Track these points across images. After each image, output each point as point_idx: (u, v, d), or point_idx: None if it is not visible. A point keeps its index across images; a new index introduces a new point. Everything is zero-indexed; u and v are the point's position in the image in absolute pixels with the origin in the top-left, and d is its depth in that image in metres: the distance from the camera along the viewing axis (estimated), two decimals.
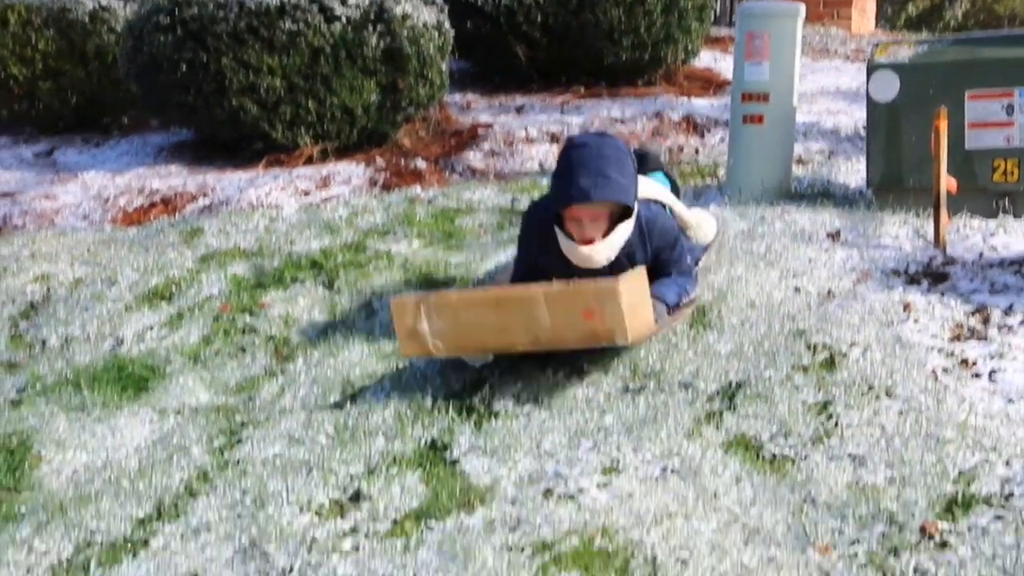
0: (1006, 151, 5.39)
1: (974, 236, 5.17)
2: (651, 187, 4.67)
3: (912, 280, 4.72)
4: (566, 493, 3.56)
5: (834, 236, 5.28)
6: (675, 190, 5.17)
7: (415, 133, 8.33)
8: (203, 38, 7.45)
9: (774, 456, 3.64)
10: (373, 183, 7.38)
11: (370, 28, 7.63)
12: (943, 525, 3.23)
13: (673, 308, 4.39)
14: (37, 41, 8.54)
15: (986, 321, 4.33)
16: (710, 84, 9.41)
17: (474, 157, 7.85)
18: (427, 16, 7.93)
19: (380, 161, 7.78)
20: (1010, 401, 3.81)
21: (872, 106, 5.70)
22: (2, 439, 4.34)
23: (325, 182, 7.36)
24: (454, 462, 3.81)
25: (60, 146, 8.65)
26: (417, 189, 6.99)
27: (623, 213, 4.29)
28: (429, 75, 7.90)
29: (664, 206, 4.66)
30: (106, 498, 3.90)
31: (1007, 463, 3.48)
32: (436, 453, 3.89)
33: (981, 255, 4.93)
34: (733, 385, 4.03)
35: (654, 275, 4.40)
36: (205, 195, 7.27)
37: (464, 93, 9.22)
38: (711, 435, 3.78)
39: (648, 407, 3.99)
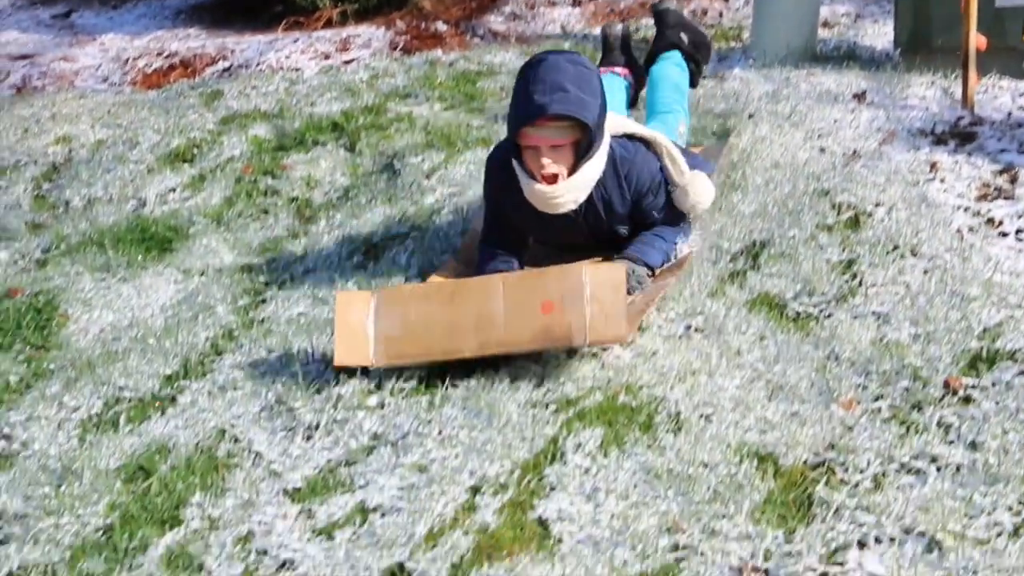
0: None
1: (1003, 96, 5.10)
2: (636, 126, 3.98)
3: (939, 140, 4.68)
4: (589, 351, 3.57)
5: (860, 97, 5.22)
6: (693, 81, 4.72)
7: None
8: None
9: (798, 314, 3.64)
10: (393, 46, 7.31)
11: None
12: (967, 380, 3.24)
13: (656, 271, 3.89)
14: None
15: (1013, 180, 4.30)
16: None
17: (495, 20, 7.76)
18: None
19: (400, 24, 7.69)
20: None
21: None
22: (29, 298, 4.38)
23: (345, 45, 7.29)
24: None
25: (78, 8, 8.57)
26: (438, 52, 6.92)
27: (591, 146, 3.68)
28: None
29: (650, 148, 3.91)
30: (133, 356, 3.94)
31: None
32: None
33: (1010, 115, 4.87)
34: (757, 244, 4.02)
35: (636, 226, 3.95)
36: (224, 58, 7.22)
37: None
38: (735, 294, 3.78)
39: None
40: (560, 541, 2.86)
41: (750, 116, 5.07)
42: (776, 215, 4.16)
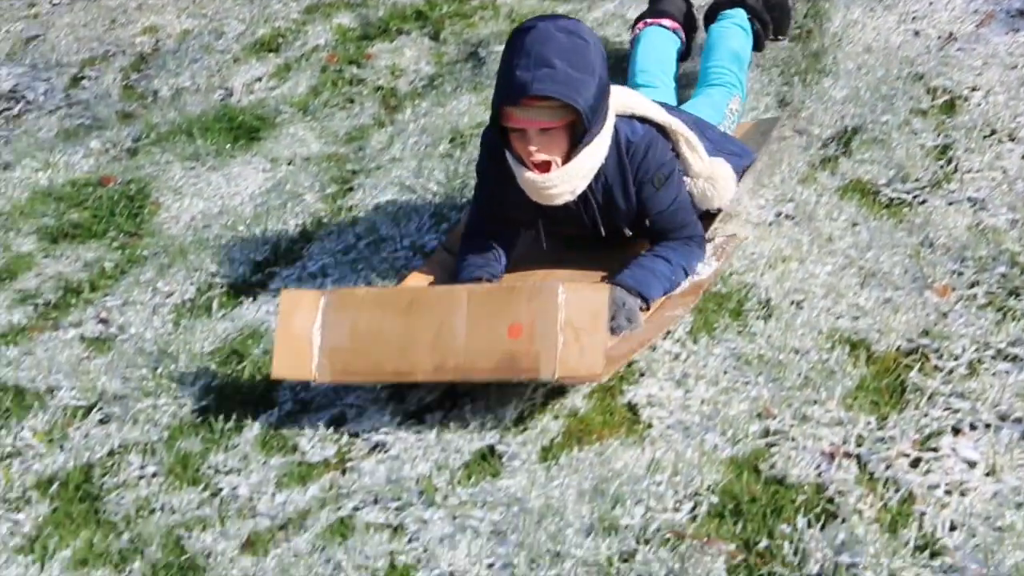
0: None
1: None
2: (650, 106, 3.33)
3: None
4: None
5: None
6: (758, 44, 4.27)
7: None
8: None
9: (891, 200, 3.58)
10: None
11: None
12: None
13: (653, 304, 3.24)
14: None
15: None
16: None
17: None
18: None
19: None
20: None
21: None
22: (121, 186, 4.43)
23: None
24: None
25: None
26: None
27: (589, 130, 3.12)
28: None
29: (665, 132, 3.33)
30: (224, 243, 3.99)
31: None
32: None
33: None
34: (849, 130, 3.94)
35: (638, 232, 3.38)
36: None
37: None
38: (826, 180, 3.72)
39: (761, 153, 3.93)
40: (650, 426, 2.88)
41: None
42: (869, 100, 4.07)
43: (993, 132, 3.78)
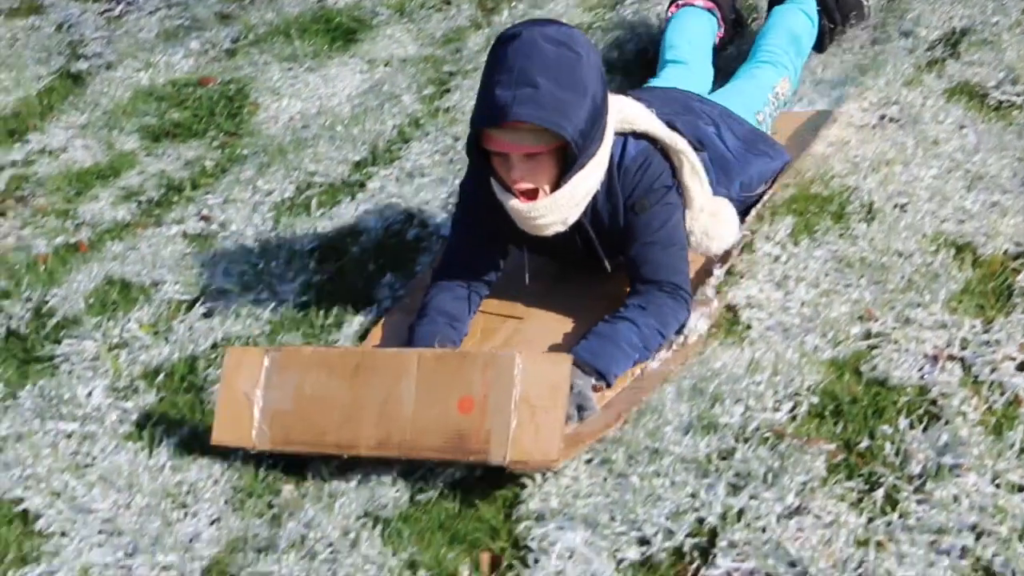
0: None
1: None
2: (654, 124, 2.86)
3: None
4: None
5: None
6: (820, 44, 3.84)
7: None
8: None
9: (1000, 103, 3.49)
10: None
11: None
12: None
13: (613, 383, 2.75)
14: None
15: None
16: None
17: None
18: None
19: None
20: None
21: None
22: (221, 87, 4.47)
23: None
24: None
25: None
26: None
27: (580, 155, 2.68)
28: None
29: (667, 154, 2.86)
30: (322, 143, 4.01)
31: None
32: None
33: None
34: (957, 32, 3.84)
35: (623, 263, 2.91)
36: None
37: None
38: (932, 83, 3.64)
39: (865, 56, 3.85)
40: (749, 327, 2.86)
41: None
42: (978, 1, 3.96)
43: None
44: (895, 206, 3.15)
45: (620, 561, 2.31)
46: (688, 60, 3.72)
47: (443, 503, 2.53)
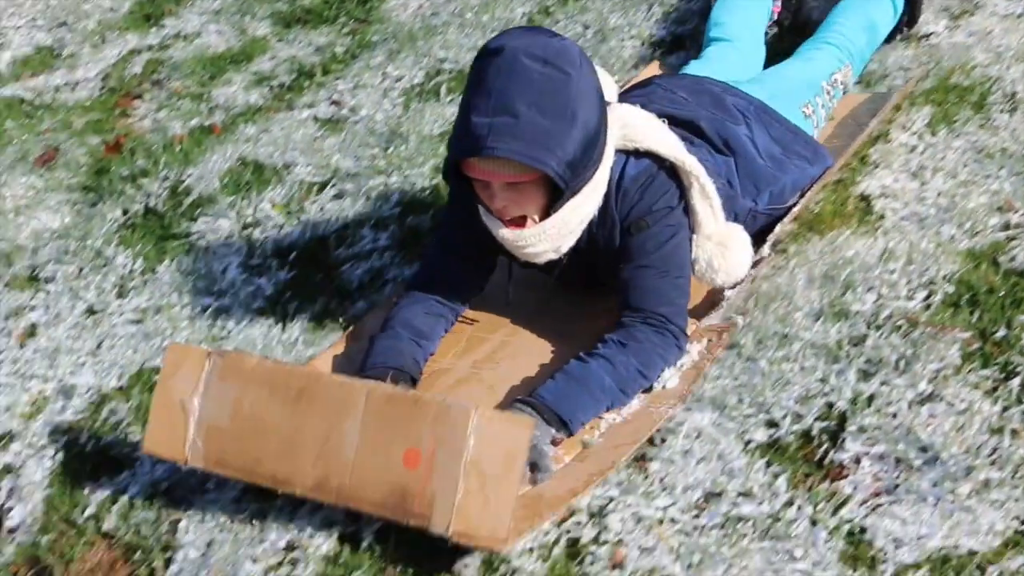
0: None
1: None
2: (667, 141, 2.52)
3: None
4: (914, 35, 3.42)
5: None
6: (892, 34, 3.39)
7: None
8: None
9: None
10: None
11: None
12: None
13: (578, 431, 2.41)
14: None
15: None
16: None
17: None
18: None
19: None
20: None
21: None
22: None
23: None
24: None
25: None
26: None
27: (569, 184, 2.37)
28: None
29: (675, 175, 2.52)
30: (452, 30, 4.00)
31: None
32: None
33: None
34: None
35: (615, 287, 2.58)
36: None
37: None
38: None
39: None
40: (882, 217, 2.82)
41: None
42: None
43: None
44: None
45: (748, 443, 2.32)
46: (734, 38, 3.37)
47: None
